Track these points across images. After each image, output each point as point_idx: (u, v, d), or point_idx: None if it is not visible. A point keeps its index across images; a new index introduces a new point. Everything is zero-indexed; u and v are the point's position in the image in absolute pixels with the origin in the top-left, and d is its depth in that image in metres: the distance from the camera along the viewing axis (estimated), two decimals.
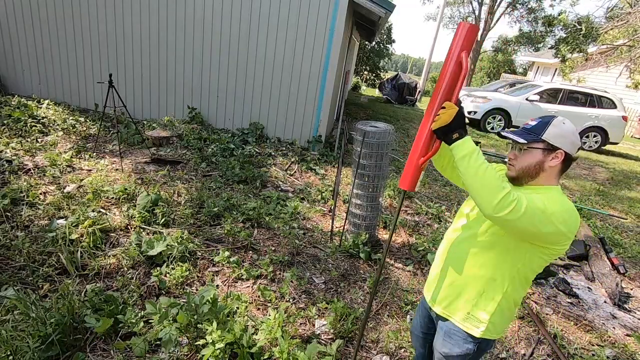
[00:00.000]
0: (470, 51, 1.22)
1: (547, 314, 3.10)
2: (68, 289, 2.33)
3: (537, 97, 10.54)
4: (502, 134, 1.29)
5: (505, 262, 1.32)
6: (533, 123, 1.29)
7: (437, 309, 1.50)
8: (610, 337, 2.92)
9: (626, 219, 5.50)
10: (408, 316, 2.77)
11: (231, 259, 2.98)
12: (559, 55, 10.39)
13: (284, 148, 6.05)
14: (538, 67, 23.67)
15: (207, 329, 2.06)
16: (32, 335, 1.91)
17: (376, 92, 18.39)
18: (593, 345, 2.81)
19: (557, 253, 1.28)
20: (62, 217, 3.17)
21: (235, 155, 5.32)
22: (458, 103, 1.27)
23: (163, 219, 3.34)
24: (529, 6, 23.32)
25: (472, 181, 1.20)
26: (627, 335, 2.98)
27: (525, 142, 1.26)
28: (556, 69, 18.68)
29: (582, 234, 4.41)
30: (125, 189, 3.66)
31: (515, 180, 1.34)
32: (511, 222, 1.16)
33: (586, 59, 10.27)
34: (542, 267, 1.33)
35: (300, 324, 2.51)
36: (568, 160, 1.27)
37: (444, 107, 1.26)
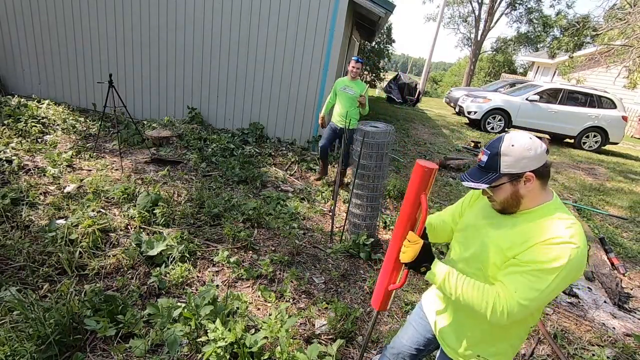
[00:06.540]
0: (427, 190, 1.23)
1: (547, 314, 3.10)
2: (67, 289, 2.33)
3: (537, 97, 10.54)
4: (464, 184, 1.22)
5: None
6: (485, 158, 1.19)
7: (445, 349, 1.43)
8: (610, 337, 2.91)
9: (626, 219, 5.50)
10: (408, 316, 2.77)
11: (231, 259, 2.97)
12: (552, 45, 10.43)
13: (284, 148, 6.05)
14: (538, 67, 23.66)
15: (209, 327, 2.06)
16: (31, 336, 1.90)
17: (376, 92, 18.39)
18: (593, 345, 2.81)
19: None
20: (62, 217, 3.17)
21: (235, 155, 5.32)
22: (423, 235, 1.27)
23: (163, 219, 3.34)
24: (528, 6, 23.35)
25: (458, 301, 1.22)
26: (627, 335, 2.98)
27: (488, 185, 1.17)
28: (556, 69, 18.68)
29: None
30: (125, 189, 3.66)
31: (504, 212, 1.24)
32: (520, 317, 1.15)
33: (570, 56, 10.26)
34: None
35: (301, 324, 2.51)
36: (541, 172, 1.16)
37: (409, 240, 1.24)
